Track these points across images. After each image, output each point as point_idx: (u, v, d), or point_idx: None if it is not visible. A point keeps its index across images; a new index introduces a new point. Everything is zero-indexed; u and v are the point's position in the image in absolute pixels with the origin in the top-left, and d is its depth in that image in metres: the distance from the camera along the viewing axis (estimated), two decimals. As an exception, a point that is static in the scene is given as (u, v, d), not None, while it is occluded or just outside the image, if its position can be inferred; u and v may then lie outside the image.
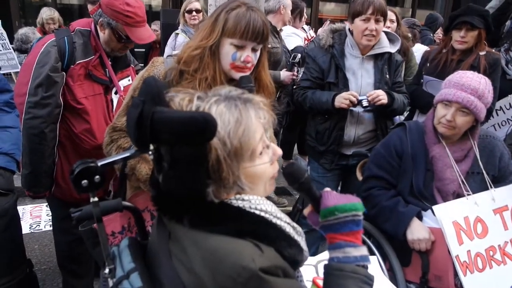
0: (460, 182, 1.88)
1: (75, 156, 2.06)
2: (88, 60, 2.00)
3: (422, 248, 1.81)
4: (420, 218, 1.86)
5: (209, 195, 0.83)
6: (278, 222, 0.89)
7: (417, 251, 1.83)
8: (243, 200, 0.87)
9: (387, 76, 2.49)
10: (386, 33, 2.51)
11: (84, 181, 0.79)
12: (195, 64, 1.40)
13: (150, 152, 0.81)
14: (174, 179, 0.83)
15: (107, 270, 0.89)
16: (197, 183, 0.81)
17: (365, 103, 2.35)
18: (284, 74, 3.37)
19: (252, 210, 0.87)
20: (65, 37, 1.97)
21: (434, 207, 1.81)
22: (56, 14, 4.66)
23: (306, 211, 1.04)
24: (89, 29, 2.04)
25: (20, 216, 3.66)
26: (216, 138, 0.78)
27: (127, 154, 0.85)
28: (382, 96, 2.34)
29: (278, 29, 3.48)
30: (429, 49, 3.16)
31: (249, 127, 0.83)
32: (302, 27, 4.34)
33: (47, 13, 4.61)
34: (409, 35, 3.50)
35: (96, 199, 0.84)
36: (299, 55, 3.42)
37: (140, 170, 1.41)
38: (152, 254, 0.92)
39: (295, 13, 4.07)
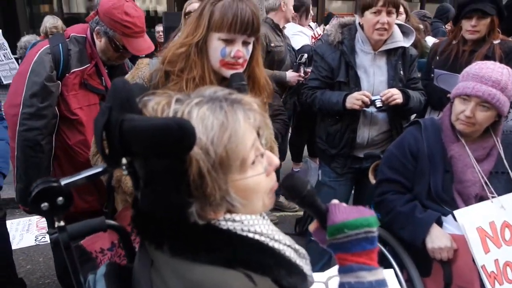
0: (483, 184, 1.72)
1: (70, 169, 1.97)
2: (84, 69, 1.92)
3: (444, 257, 1.65)
4: (440, 224, 1.71)
5: (193, 215, 0.70)
6: (277, 245, 0.76)
7: (438, 260, 1.68)
8: (234, 221, 0.73)
9: (402, 72, 2.34)
10: (399, 25, 2.35)
11: (44, 204, 0.67)
12: (181, 64, 1.28)
13: (124, 167, 0.69)
14: (151, 198, 0.71)
15: (79, 305, 0.77)
16: (177, 203, 0.69)
17: (378, 104, 2.20)
18: (290, 74, 3.25)
19: (244, 233, 0.73)
20: (60, 44, 1.88)
21: (456, 212, 1.66)
22: (59, 23, 4.60)
23: (312, 227, 0.90)
24: (85, 35, 1.95)
25: (27, 228, 3.68)
26: (197, 147, 0.66)
27: (96, 171, 0.74)
28: (397, 96, 2.19)
29: (280, 27, 3.36)
30: (437, 41, 3.00)
31: (236, 131, 0.70)
32: (309, 25, 4.19)
33: (50, 22, 4.55)
34: (421, 26, 3.32)
35: (62, 223, 0.72)
36: (305, 55, 3.28)
37: (126, 182, 1.30)
38: (135, 283, 0.80)
39: (301, 11, 3.93)
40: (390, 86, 2.27)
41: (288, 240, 0.79)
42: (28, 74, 1.83)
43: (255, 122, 0.74)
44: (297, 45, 3.64)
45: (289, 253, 0.77)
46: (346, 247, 0.81)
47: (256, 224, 0.75)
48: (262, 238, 0.74)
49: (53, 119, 1.87)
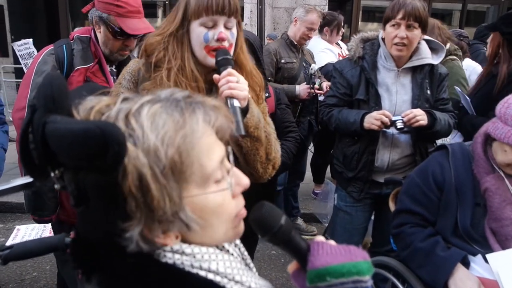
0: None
1: None
2: (87, 67, 1.90)
3: (470, 305, 1.43)
4: (466, 265, 1.49)
5: (131, 242, 0.55)
6: None
7: (463, 307, 1.45)
8: (183, 253, 0.59)
9: (428, 91, 2.14)
10: (428, 41, 2.17)
11: None
12: (159, 54, 1.26)
13: (56, 180, 0.57)
14: (82, 218, 0.58)
15: None
16: (107, 227, 0.56)
17: (399, 125, 2.01)
18: (299, 87, 3.06)
19: (194, 270, 0.59)
20: (64, 45, 1.90)
21: (489, 256, 1.43)
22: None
23: (291, 268, 0.74)
24: (89, 36, 1.95)
25: (40, 234, 3.65)
26: (140, 150, 0.53)
27: (20, 183, 0.62)
28: (420, 117, 1.99)
29: (294, 43, 3.22)
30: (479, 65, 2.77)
31: (193, 131, 0.57)
32: (337, 43, 4.05)
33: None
34: (459, 52, 3.02)
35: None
36: (315, 66, 3.09)
37: None
38: None
39: (333, 25, 3.76)
40: (414, 106, 2.09)
41: (256, 281, 0.64)
42: (32, 76, 1.83)
43: (216, 122, 0.61)
44: (321, 63, 3.50)
45: None
46: None
47: (212, 259, 0.60)
48: (218, 279, 0.60)
49: None
